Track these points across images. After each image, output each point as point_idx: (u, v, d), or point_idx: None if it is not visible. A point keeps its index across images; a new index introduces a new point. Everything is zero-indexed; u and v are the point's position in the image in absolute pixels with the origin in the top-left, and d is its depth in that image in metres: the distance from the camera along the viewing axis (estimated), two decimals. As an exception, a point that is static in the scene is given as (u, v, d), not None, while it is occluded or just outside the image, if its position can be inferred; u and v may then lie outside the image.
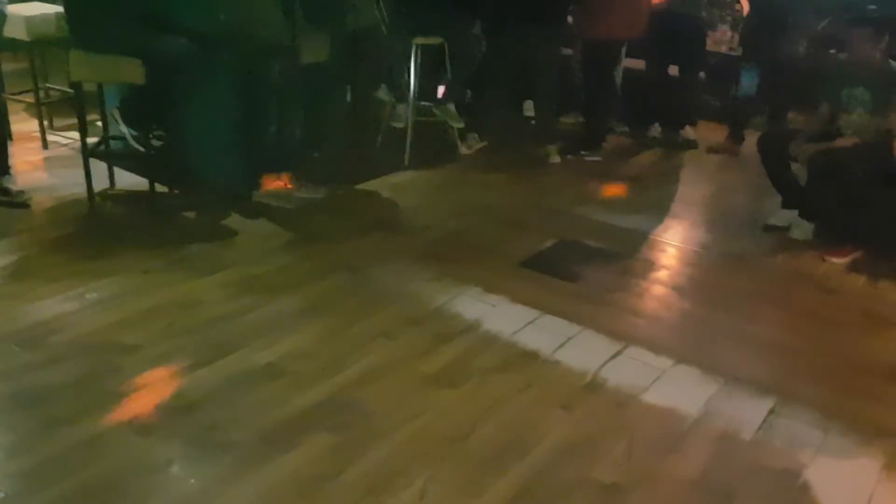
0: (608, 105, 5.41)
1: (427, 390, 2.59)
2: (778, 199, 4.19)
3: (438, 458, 2.26)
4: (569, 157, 5.22)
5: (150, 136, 3.93)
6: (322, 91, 4.55)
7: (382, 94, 5.31)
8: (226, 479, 2.15)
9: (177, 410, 2.42)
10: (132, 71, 3.57)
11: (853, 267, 3.69)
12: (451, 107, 5.14)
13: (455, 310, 3.13)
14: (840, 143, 3.76)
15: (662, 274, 3.63)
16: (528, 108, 5.72)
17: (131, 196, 4.06)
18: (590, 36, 5.17)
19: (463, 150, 5.24)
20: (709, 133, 5.72)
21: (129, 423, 2.35)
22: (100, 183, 4.02)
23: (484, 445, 2.33)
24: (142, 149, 3.92)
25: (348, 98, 4.96)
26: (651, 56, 5.62)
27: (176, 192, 4.14)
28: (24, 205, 3.82)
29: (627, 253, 3.78)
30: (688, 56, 5.56)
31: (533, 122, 5.61)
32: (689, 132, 5.74)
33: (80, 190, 3.90)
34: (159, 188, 4.01)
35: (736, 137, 5.51)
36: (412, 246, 3.75)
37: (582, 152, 5.26)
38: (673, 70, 5.65)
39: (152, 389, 2.52)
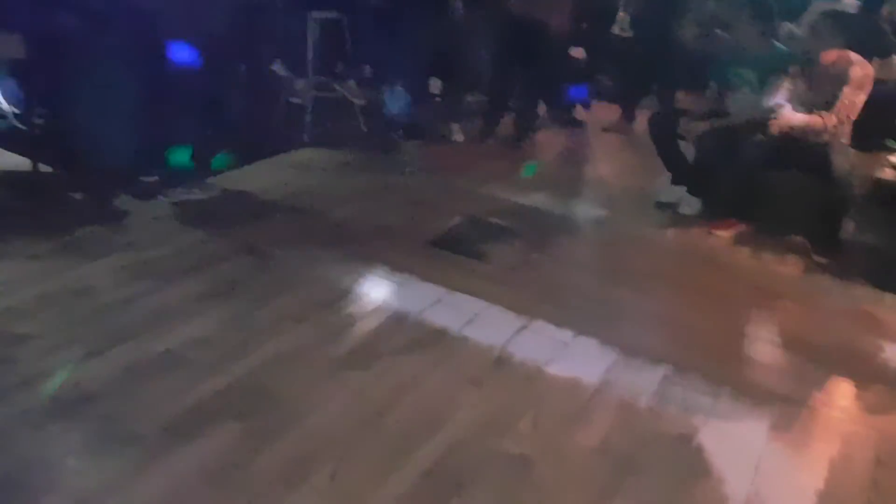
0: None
1: (337, 373, 2.57)
2: (668, 176, 4.38)
3: (350, 440, 2.26)
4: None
5: (33, 114, 3.71)
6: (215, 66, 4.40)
7: (278, 69, 5.19)
8: (130, 471, 2.08)
9: (73, 402, 2.32)
10: (11, 45, 3.35)
11: (738, 240, 3.91)
12: (352, 82, 5.09)
13: (363, 290, 3.13)
14: (727, 121, 3.96)
15: (562, 251, 3.74)
16: (435, 87, 5.73)
17: (13, 177, 3.83)
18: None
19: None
20: (602, 113, 5.90)
21: (24, 416, 2.23)
22: (-23, 163, 3.78)
23: (395, 425, 2.35)
24: (24, 127, 3.70)
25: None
26: None
27: (61, 172, 3.92)
28: None
29: (529, 231, 3.86)
30: (594, 39, 5.70)
31: (438, 99, 5.63)
32: (580, 112, 5.90)
33: (-43, 171, 3.65)
34: (43, 168, 3.80)
35: (628, 117, 5.70)
36: (316, 227, 3.71)
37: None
38: (578, 53, 5.78)
39: (47, 380, 2.40)
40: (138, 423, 2.25)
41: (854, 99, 3.62)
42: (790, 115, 3.66)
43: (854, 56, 3.69)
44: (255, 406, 2.37)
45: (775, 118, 3.68)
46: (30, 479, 2.02)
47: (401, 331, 2.86)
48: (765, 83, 3.89)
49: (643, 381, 2.66)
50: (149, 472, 2.08)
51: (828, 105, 3.66)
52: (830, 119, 3.63)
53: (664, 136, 4.24)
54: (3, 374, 2.41)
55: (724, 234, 3.91)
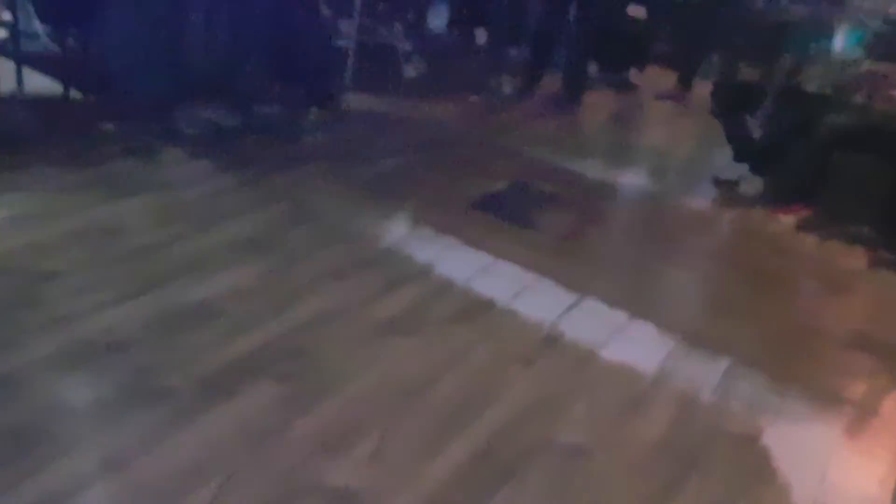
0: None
1: (381, 338, 2.42)
2: (727, 151, 4.15)
3: (394, 412, 2.12)
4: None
5: (67, 34, 3.51)
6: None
7: (322, 8, 4.95)
8: (163, 426, 1.93)
9: (104, 347, 2.17)
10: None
11: (802, 226, 3.70)
12: (398, 25, 4.87)
13: (406, 252, 2.95)
14: (802, 97, 3.72)
15: (616, 224, 3.57)
16: (480, 37, 5.50)
17: (42, 102, 3.65)
18: None
19: (410, 72, 5.02)
20: (656, 78, 5.64)
21: (50, 360, 2.09)
22: (6, 84, 3.58)
23: (442, 400, 2.20)
24: (57, 48, 3.50)
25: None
26: None
27: (93, 99, 3.74)
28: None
29: (581, 200, 3.67)
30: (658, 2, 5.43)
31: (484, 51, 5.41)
32: (634, 75, 5.65)
33: (-15, 91, 3.47)
34: (74, 95, 3.62)
35: (685, 84, 5.44)
36: (357, 179, 3.52)
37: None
38: (637, 11, 5.50)
39: (75, 323, 2.24)
40: (172, 377, 2.11)
41: None
42: None
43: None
44: (294, 367, 2.23)
45: None
46: (53, 431, 1.88)
47: (446, 298, 2.70)
48: (846, 58, 3.63)
49: (705, 373, 2.49)
50: (182, 429, 1.94)
51: None
52: None
53: (729, 109, 4.01)
54: (26, 314, 2.26)
55: (788, 219, 3.70)
